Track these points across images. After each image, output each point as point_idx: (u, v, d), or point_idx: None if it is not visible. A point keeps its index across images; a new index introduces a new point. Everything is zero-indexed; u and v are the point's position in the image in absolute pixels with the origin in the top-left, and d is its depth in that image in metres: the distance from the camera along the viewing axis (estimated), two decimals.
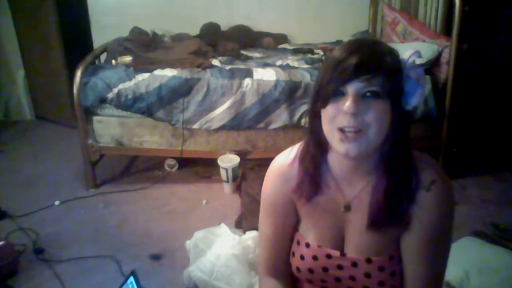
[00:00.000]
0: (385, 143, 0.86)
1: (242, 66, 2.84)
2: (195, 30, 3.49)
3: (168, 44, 3.15)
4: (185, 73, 2.57)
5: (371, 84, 0.80)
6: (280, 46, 3.56)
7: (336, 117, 0.83)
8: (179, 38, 3.29)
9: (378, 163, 0.89)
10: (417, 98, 0.83)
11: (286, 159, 0.99)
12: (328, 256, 0.94)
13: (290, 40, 3.76)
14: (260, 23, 3.72)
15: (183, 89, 2.54)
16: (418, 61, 0.87)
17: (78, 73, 2.52)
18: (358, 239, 0.92)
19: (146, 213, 2.46)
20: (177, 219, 2.40)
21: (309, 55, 3.21)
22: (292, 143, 1.04)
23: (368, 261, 0.91)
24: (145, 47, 3.00)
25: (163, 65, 2.67)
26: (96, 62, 2.85)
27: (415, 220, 0.88)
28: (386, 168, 0.88)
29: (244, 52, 3.32)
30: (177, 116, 2.57)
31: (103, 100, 2.54)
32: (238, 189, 2.65)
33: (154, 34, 3.25)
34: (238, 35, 3.51)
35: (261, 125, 2.59)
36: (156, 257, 2.07)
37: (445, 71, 2.55)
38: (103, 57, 3.04)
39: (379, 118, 0.82)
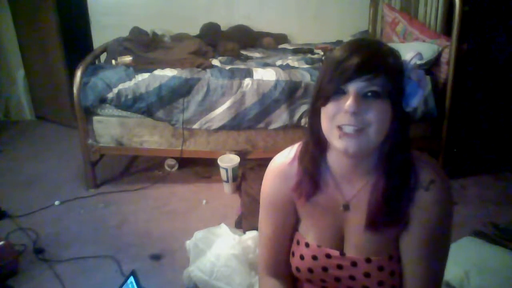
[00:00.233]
0: (385, 143, 0.86)
1: (242, 66, 2.84)
2: (195, 30, 3.49)
3: (168, 44, 3.15)
4: (185, 73, 2.57)
5: (372, 84, 0.81)
6: (280, 46, 3.56)
7: (336, 115, 0.83)
8: (179, 38, 3.29)
9: (377, 163, 0.89)
10: (417, 99, 0.84)
11: (285, 159, 0.99)
12: (328, 256, 0.94)
13: (290, 40, 3.76)
14: (260, 23, 3.72)
15: (183, 89, 2.54)
16: (419, 62, 0.87)
17: (78, 73, 2.52)
18: (357, 238, 0.93)
19: (146, 213, 2.46)
20: (177, 219, 2.40)
21: (309, 55, 3.22)
22: (292, 143, 1.04)
23: (368, 260, 0.91)
24: (145, 47, 3.00)
25: (163, 65, 2.67)
26: (96, 62, 2.85)
27: (414, 220, 0.88)
28: (385, 167, 0.88)
29: (244, 52, 3.32)
30: (177, 116, 2.57)
31: (103, 100, 2.54)
32: (238, 189, 2.65)
33: (154, 34, 3.25)
34: (238, 35, 3.51)
35: (261, 125, 2.59)
36: (156, 257, 2.07)
37: (445, 71, 2.55)
38: (103, 57, 3.04)
39: (380, 117, 0.82)
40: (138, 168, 3.01)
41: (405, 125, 0.87)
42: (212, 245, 1.89)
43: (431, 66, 2.60)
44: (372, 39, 0.82)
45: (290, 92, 2.55)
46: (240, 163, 2.63)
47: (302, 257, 0.97)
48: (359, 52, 0.82)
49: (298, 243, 0.99)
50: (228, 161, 2.62)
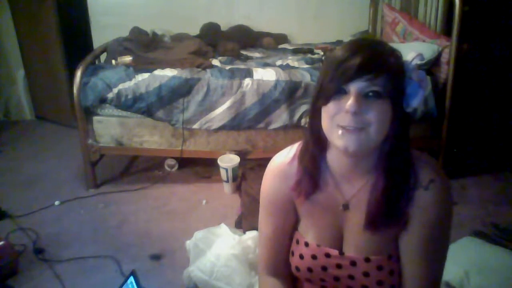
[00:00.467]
0: (385, 143, 0.86)
1: (242, 66, 2.84)
2: (195, 30, 3.49)
3: (168, 44, 3.15)
4: (185, 73, 2.57)
5: (373, 84, 0.81)
6: (280, 46, 3.56)
7: (336, 115, 0.83)
8: (179, 38, 3.29)
9: (377, 162, 0.89)
10: (418, 100, 0.84)
11: (285, 158, 0.99)
12: (327, 255, 0.95)
13: (290, 40, 3.76)
14: (260, 23, 3.72)
15: (183, 89, 2.54)
16: (419, 63, 0.87)
17: (78, 73, 2.52)
18: (357, 238, 0.93)
19: (146, 213, 2.46)
20: (177, 219, 2.40)
21: (309, 55, 3.21)
22: (292, 143, 1.04)
23: (367, 260, 0.91)
24: (145, 47, 3.00)
25: (163, 65, 2.67)
26: (96, 62, 2.85)
27: (414, 219, 0.88)
28: (385, 167, 0.88)
29: (244, 52, 3.32)
30: (177, 116, 2.57)
31: (103, 100, 2.54)
32: (238, 189, 2.65)
33: (154, 34, 3.25)
34: (238, 35, 3.51)
35: (261, 125, 2.59)
36: (156, 257, 2.07)
37: (445, 71, 2.55)
38: (103, 57, 3.04)
39: (380, 117, 0.82)
40: (138, 168, 3.01)
41: (406, 125, 0.87)
42: (212, 245, 1.89)
43: (431, 66, 2.60)
44: (374, 39, 0.83)
45: (290, 92, 2.55)
46: (240, 163, 2.63)
47: (301, 257, 0.97)
48: (361, 52, 0.82)
49: (297, 242, 0.99)
50: (228, 161, 2.62)
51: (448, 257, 0.93)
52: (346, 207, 0.93)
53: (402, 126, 0.86)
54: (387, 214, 0.88)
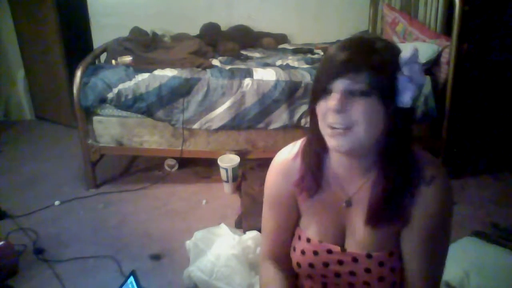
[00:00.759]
0: (381, 141, 0.86)
1: (242, 66, 2.84)
2: (195, 30, 3.49)
3: (168, 44, 3.15)
4: (185, 73, 2.57)
5: (356, 82, 0.80)
6: (280, 46, 3.56)
7: (326, 114, 0.84)
8: (179, 38, 3.29)
9: (377, 160, 0.89)
10: (408, 96, 0.82)
11: (288, 154, 1.00)
12: (329, 251, 0.95)
13: (290, 40, 3.76)
14: (260, 23, 3.72)
15: (183, 89, 2.54)
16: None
17: (78, 73, 2.52)
18: (358, 235, 0.93)
19: (146, 213, 2.46)
20: (177, 219, 2.40)
21: (309, 55, 3.22)
22: None
23: (368, 256, 0.92)
24: (145, 47, 3.00)
25: (163, 65, 2.67)
26: (96, 62, 2.85)
27: (415, 215, 0.88)
28: (385, 165, 0.88)
29: (244, 52, 3.32)
30: (177, 116, 2.57)
31: (103, 100, 2.54)
32: (238, 189, 2.65)
33: (154, 34, 3.25)
34: (238, 35, 3.51)
35: (261, 125, 2.60)
36: (156, 257, 2.07)
37: (445, 71, 2.55)
38: (103, 57, 3.04)
39: (367, 115, 0.81)
40: (138, 168, 3.01)
41: (404, 122, 0.85)
42: (212, 245, 1.89)
43: (431, 66, 2.60)
44: (369, 36, 0.82)
45: (290, 92, 2.55)
46: (240, 163, 2.63)
47: (303, 252, 0.97)
48: (345, 50, 0.82)
49: (299, 238, 0.99)
50: (228, 161, 2.62)
51: (448, 257, 0.93)
52: (349, 203, 0.94)
53: (399, 123, 0.85)
54: (387, 210, 0.88)
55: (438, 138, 2.63)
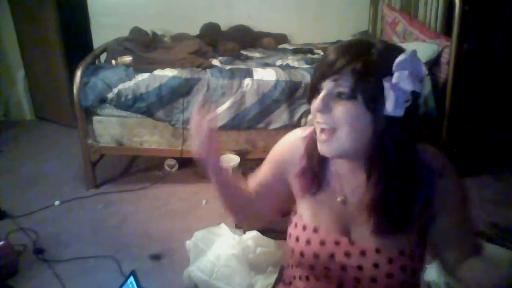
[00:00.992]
0: (374, 145, 0.84)
1: (242, 66, 2.84)
2: (195, 30, 3.49)
3: (168, 44, 3.15)
4: (185, 73, 2.57)
5: (339, 84, 0.81)
6: (280, 46, 3.56)
7: (314, 113, 0.86)
8: (179, 38, 3.29)
9: (374, 162, 0.87)
10: (390, 103, 0.79)
11: (302, 132, 1.02)
12: (336, 243, 0.93)
13: (290, 40, 3.76)
14: (260, 23, 3.72)
15: (183, 89, 2.54)
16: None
17: (78, 73, 2.52)
18: (364, 233, 0.92)
19: (146, 213, 2.46)
20: (177, 219, 2.40)
21: (309, 55, 3.21)
22: None
23: (377, 251, 0.90)
24: (145, 47, 3.00)
25: (163, 65, 2.67)
26: (96, 62, 2.85)
27: (439, 207, 0.89)
28: (382, 169, 0.86)
29: (244, 52, 3.32)
30: (177, 116, 2.57)
31: (103, 100, 2.54)
32: None
33: (154, 34, 3.25)
34: (238, 35, 3.51)
35: (261, 125, 2.60)
36: (156, 257, 2.07)
37: (445, 71, 2.55)
38: (103, 57, 3.04)
39: (349, 119, 0.81)
40: (138, 168, 3.01)
41: (393, 131, 0.83)
42: (212, 245, 1.89)
43: (431, 66, 2.60)
44: (369, 39, 0.81)
45: (290, 92, 2.55)
46: (240, 163, 2.62)
47: (308, 242, 0.96)
48: (335, 52, 0.84)
49: (304, 228, 0.97)
50: (228, 161, 2.61)
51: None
52: (344, 202, 0.94)
53: (387, 130, 0.82)
54: (393, 221, 0.87)
55: (438, 138, 2.63)
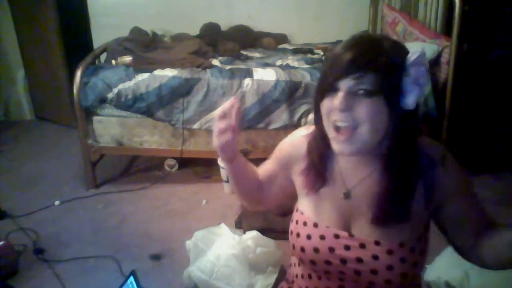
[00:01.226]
0: (384, 142, 0.86)
1: (242, 66, 2.84)
2: (195, 30, 3.50)
3: (168, 44, 3.16)
4: (185, 73, 2.57)
5: (361, 82, 0.81)
6: (280, 46, 3.56)
7: (331, 112, 0.84)
8: (179, 38, 3.29)
9: (380, 158, 0.89)
10: (412, 98, 0.82)
11: (307, 130, 1.03)
12: (336, 236, 0.94)
13: (290, 40, 3.76)
14: (260, 23, 3.72)
15: (183, 89, 2.54)
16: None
17: (78, 73, 2.52)
18: (364, 226, 0.92)
19: (146, 213, 2.46)
20: (177, 219, 2.40)
21: (309, 55, 3.22)
22: None
23: (377, 243, 0.91)
24: (145, 47, 3.00)
25: (163, 65, 2.67)
26: (96, 62, 2.85)
27: (445, 194, 0.90)
28: (388, 164, 0.88)
29: (244, 52, 3.32)
30: (177, 116, 2.57)
31: (103, 100, 2.54)
32: None
33: (154, 34, 3.25)
34: (238, 35, 3.51)
35: (261, 125, 2.60)
36: (156, 257, 2.07)
37: (445, 71, 2.55)
38: (103, 57, 3.04)
39: (371, 116, 0.82)
40: (138, 168, 3.01)
41: (407, 124, 0.86)
42: (212, 245, 1.89)
43: (431, 66, 2.60)
44: (374, 35, 0.82)
45: (290, 92, 2.55)
46: None
47: (309, 237, 0.96)
48: (352, 49, 0.83)
49: (304, 224, 0.98)
50: None
51: (448, 257, 0.93)
52: (347, 195, 0.94)
53: (403, 124, 0.85)
54: (393, 210, 0.88)
55: (438, 138, 2.63)
